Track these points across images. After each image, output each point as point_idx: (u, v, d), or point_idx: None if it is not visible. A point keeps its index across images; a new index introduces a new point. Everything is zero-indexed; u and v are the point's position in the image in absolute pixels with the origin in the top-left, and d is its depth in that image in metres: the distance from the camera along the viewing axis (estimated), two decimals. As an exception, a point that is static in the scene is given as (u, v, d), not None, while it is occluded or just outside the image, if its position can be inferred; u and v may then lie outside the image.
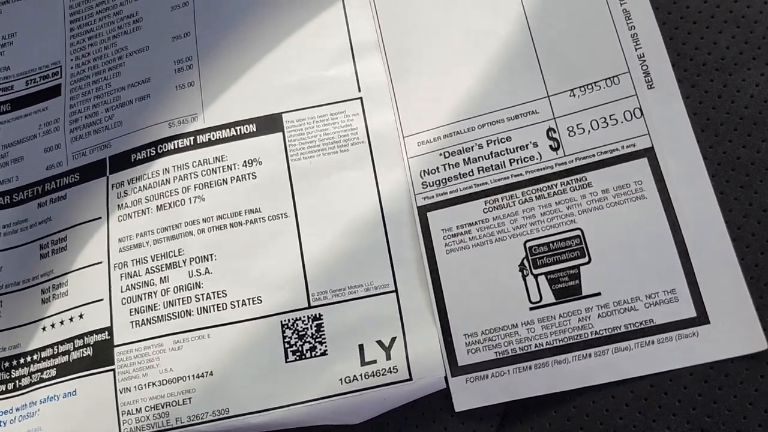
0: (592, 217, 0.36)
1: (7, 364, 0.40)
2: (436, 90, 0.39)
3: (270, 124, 0.40)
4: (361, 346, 0.36)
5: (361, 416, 0.36)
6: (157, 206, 0.40)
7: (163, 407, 0.37)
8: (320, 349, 0.37)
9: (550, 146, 0.37)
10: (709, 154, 0.36)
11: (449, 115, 0.39)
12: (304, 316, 0.37)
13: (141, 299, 0.39)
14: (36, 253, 0.41)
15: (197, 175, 0.40)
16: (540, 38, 0.39)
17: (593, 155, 0.37)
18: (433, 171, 0.38)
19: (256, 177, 0.40)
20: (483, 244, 0.37)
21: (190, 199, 0.40)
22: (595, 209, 0.36)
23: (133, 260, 0.39)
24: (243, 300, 0.38)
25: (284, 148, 0.40)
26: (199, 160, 0.40)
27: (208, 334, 0.37)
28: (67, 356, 0.39)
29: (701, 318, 0.34)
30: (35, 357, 0.39)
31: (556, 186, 0.37)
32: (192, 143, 0.41)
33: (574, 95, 0.38)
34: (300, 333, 0.37)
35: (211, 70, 0.42)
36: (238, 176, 0.40)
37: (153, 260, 0.39)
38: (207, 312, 0.38)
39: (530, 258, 0.36)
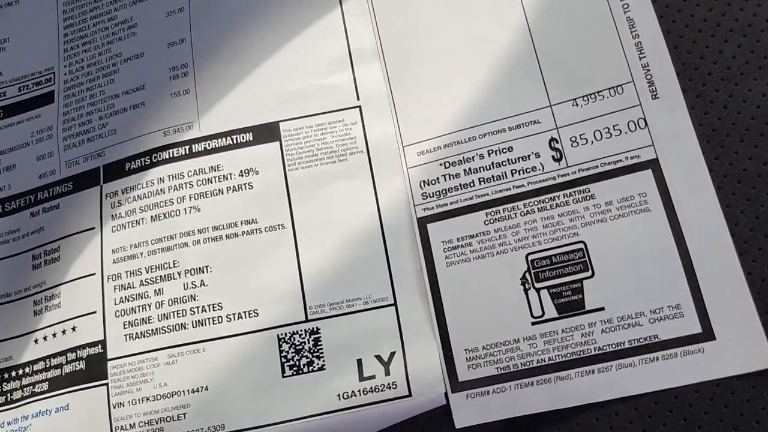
0: (596, 229, 0.35)
1: (-2, 378, 0.39)
2: (437, 98, 0.39)
3: (267, 133, 0.40)
4: (359, 361, 0.36)
5: (360, 433, 0.35)
6: (152, 217, 0.39)
7: (157, 423, 0.36)
8: (318, 364, 0.36)
9: (553, 157, 0.37)
10: (715, 166, 0.35)
11: (450, 125, 0.38)
12: (301, 330, 0.36)
13: (135, 312, 0.38)
14: (28, 264, 0.40)
15: (192, 185, 0.39)
16: (542, 46, 0.38)
17: (596, 166, 0.36)
18: (433, 181, 0.38)
19: (252, 187, 0.39)
20: (484, 256, 0.36)
21: (185, 209, 0.39)
22: (598, 222, 0.35)
23: (127, 272, 0.39)
24: (239, 313, 0.37)
25: (281, 158, 0.39)
26: (195, 170, 0.39)
27: (204, 348, 0.37)
28: (59, 370, 0.38)
29: (707, 334, 0.33)
30: (27, 370, 0.39)
31: (558, 198, 0.36)
32: (187, 152, 0.40)
33: (576, 105, 0.37)
34: (297, 347, 0.36)
35: (207, 77, 0.41)
36: (234, 186, 0.39)
37: (147, 272, 0.38)
38: (202, 325, 0.37)
39: (532, 271, 0.35)
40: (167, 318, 0.37)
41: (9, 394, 0.38)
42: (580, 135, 0.37)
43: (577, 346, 0.34)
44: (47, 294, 0.39)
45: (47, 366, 0.38)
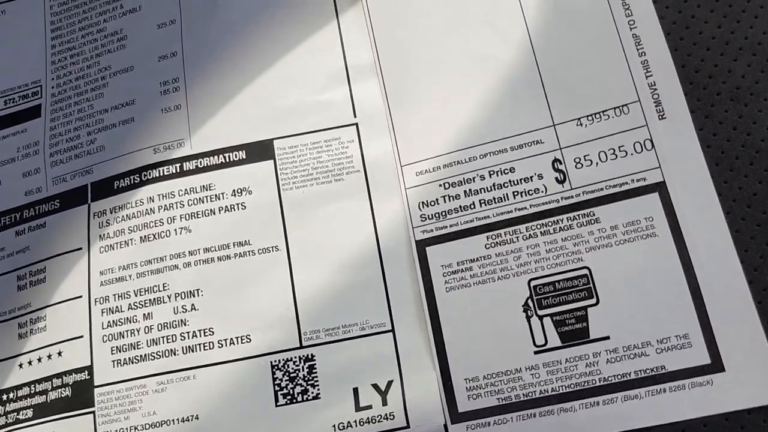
0: (601, 255, 0.34)
1: (-19, 404, 0.38)
2: (436, 116, 0.38)
3: (260, 151, 0.38)
4: (355, 390, 0.35)
5: (356, 465, 0.34)
6: (141, 237, 0.38)
7: (145, 453, 0.35)
8: (312, 393, 0.35)
9: (556, 178, 0.36)
10: (724, 190, 0.34)
11: (449, 144, 0.37)
12: (295, 357, 0.35)
13: (123, 337, 0.37)
14: (13, 285, 0.39)
15: (183, 205, 0.38)
16: (545, 64, 0.37)
17: (601, 189, 0.35)
18: (432, 203, 0.37)
19: (245, 207, 0.38)
20: (485, 281, 0.35)
21: (175, 230, 0.38)
22: (603, 247, 0.34)
23: (115, 295, 0.37)
24: (231, 339, 0.36)
25: (275, 177, 0.38)
26: (186, 189, 0.38)
27: (194, 375, 0.35)
28: (44, 396, 0.37)
29: (716, 365, 0.32)
30: (11, 396, 0.37)
31: (562, 221, 0.35)
32: (178, 170, 0.39)
33: (581, 124, 0.36)
34: (291, 375, 0.35)
35: (198, 93, 0.40)
36: (226, 206, 0.38)
37: (136, 295, 0.37)
38: (193, 351, 0.36)
39: (535, 298, 0.34)
40: (156, 343, 0.36)
41: (-8, 421, 0.37)
42: (584, 156, 0.35)
43: (582, 377, 0.33)
44: (33, 317, 0.38)
45: (32, 392, 0.37)
